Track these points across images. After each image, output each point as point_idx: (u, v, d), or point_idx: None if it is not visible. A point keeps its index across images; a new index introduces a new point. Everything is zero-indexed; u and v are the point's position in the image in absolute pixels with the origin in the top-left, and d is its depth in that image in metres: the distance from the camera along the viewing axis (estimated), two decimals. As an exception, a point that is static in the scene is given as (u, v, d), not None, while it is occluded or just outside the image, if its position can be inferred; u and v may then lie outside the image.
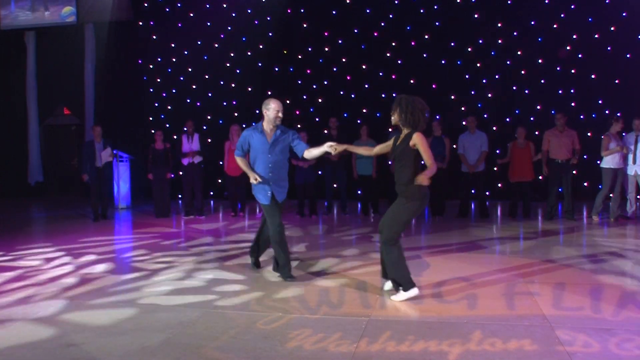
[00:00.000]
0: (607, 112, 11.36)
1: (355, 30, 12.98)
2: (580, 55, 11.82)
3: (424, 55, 12.58)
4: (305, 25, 13.25)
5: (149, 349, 3.64)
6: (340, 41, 13.06)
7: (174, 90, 13.94)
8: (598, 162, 9.49)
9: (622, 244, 7.21)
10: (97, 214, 10.13)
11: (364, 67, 12.89)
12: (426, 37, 12.60)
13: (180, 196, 12.29)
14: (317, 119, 12.77)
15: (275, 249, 5.43)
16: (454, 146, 10.18)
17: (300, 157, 5.48)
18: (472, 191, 10.26)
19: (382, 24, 12.84)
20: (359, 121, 12.06)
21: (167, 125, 13.50)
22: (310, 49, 13.22)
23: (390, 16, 12.78)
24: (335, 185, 10.80)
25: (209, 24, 13.62)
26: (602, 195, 9.17)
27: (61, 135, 15.43)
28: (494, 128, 11.90)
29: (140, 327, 4.09)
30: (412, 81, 12.54)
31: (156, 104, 14.06)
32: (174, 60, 13.91)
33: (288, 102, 13.24)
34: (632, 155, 8.93)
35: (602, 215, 9.31)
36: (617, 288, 5.01)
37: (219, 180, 13.02)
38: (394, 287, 4.80)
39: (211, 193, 13.47)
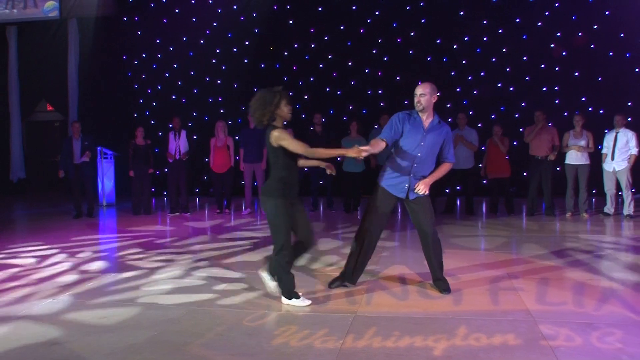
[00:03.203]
0: (590, 109, 11.50)
1: (342, 27, 12.98)
2: (564, 53, 11.94)
3: (410, 52, 12.62)
4: (291, 22, 13.22)
5: (135, 347, 3.62)
6: (326, 38, 13.05)
7: (159, 87, 13.84)
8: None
9: (602, 240, 7.31)
10: (79, 211, 10.06)
11: (350, 63, 12.90)
12: (412, 34, 12.63)
13: (165, 193, 12.22)
14: (303, 116, 12.75)
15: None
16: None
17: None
18: (458, 188, 10.33)
19: (368, 21, 12.85)
20: (344, 118, 12.07)
21: (152, 122, 13.40)
22: (296, 46, 13.20)
23: (377, 13, 12.79)
24: (321, 182, 10.82)
25: (194, 19, 13.53)
26: (568, 192, 9.33)
27: (44, 131, 15.23)
28: (479, 125, 11.99)
29: (126, 325, 4.06)
30: (397, 78, 12.58)
31: (141, 100, 13.94)
32: (159, 56, 13.80)
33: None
34: (611, 152, 9.07)
35: (589, 211, 9.43)
36: (599, 283, 5.08)
37: (205, 177, 12.97)
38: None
39: (197, 190, 13.41)
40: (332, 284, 5.00)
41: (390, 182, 4.80)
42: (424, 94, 4.67)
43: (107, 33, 13.89)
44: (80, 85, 14.19)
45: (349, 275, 4.97)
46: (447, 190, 10.37)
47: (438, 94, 4.79)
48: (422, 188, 4.66)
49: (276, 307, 4.45)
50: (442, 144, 4.77)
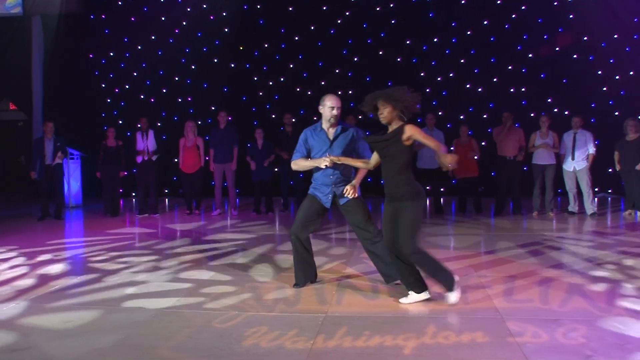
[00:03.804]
0: (555, 110, 11.78)
1: (312, 27, 12.99)
2: (530, 55, 12.20)
3: (380, 52, 12.71)
4: (261, 22, 13.16)
5: (102, 351, 3.55)
6: (296, 38, 13.04)
7: (127, 86, 13.60)
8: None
9: (567, 238, 7.49)
10: (45, 213, 9.80)
11: (320, 64, 12.91)
12: (382, 34, 12.72)
13: (134, 194, 12.02)
14: (273, 116, 12.72)
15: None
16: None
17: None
18: (427, 188, 10.44)
19: (339, 21, 12.89)
20: (315, 118, 12.07)
21: (120, 122, 13.15)
22: (266, 46, 13.15)
23: (347, 13, 12.85)
24: (291, 183, 10.80)
25: (163, 18, 13.34)
26: (535, 192, 9.51)
27: (7, 131, 14.81)
28: (449, 125, 12.14)
29: (92, 329, 3.97)
30: (368, 78, 12.65)
31: (108, 100, 13.68)
32: (127, 55, 13.56)
33: (244, 99, 13.15)
34: (571, 152, 9.32)
35: (555, 210, 9.65)
36: (564, 280, 5.19)
37: (174, 178, 12.81)
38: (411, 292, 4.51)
39: (166, 191, 13.23)
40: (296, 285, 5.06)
41: (317, 192, 4.95)
42: (340, 108, 4.90)
43: (73, 31, 13.57)
44: (45, 84, 13.81)
45: (305, 277, 5.06)
46: None
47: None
48: (351, 192, 4.77)
49: (246, 308, 4.42)
50: (353, 145, 4.93)
